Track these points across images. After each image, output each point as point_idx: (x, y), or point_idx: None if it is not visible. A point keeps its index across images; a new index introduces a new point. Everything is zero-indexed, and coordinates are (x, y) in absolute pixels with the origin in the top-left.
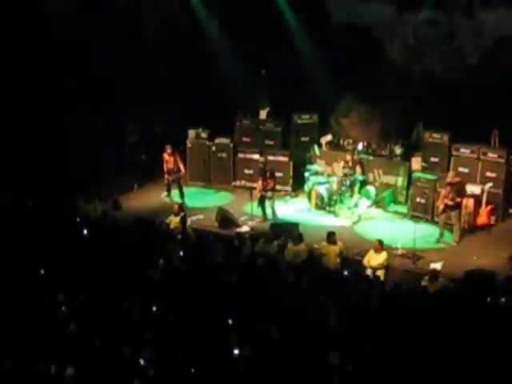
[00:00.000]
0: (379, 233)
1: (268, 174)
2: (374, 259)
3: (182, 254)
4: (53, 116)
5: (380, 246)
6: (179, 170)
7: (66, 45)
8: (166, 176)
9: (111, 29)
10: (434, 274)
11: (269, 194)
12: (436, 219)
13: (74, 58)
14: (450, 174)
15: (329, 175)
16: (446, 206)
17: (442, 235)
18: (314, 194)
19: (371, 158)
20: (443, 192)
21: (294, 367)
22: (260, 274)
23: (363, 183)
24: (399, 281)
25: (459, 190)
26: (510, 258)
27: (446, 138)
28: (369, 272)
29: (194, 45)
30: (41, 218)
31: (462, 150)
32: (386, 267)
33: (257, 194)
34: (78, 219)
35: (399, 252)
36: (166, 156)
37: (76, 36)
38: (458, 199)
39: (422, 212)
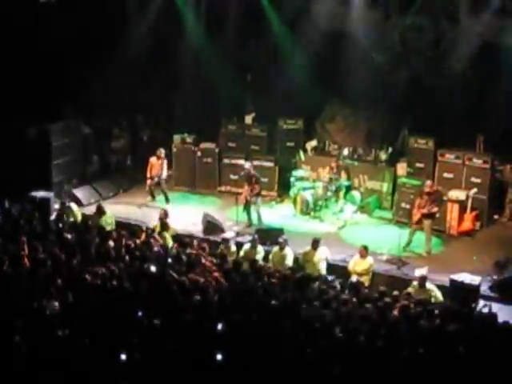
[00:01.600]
0: (364, 238)
1: (253, 180)
2: (358, 265)
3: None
4: (36, 119)
5: (365, 251)
6: (162, 175)
7: (51, 47)
8: (148, 182)
9: (97, 33)
10: (423, 282)
11: (254, 199)
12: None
13: (57, 62)
14: (428, 183)
15: (314, 180)
16: (423, 215)
17: (409, 244)
18: (299, 200)
19: (356, 163)
20: (419, 201)
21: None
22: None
23: (348, 188)
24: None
25: (436, 199)
26: (495, 264)
27: (431, 143)
28: (354, 278)
29: (180, 50)
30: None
31: (448, 155)
32: (371, 273)
33: (242, 199)
34: (60, 224)
35: (384, 258)
36: (154, 159)
37: (60, 38)
38: (435, 209)
39: (407, 217)
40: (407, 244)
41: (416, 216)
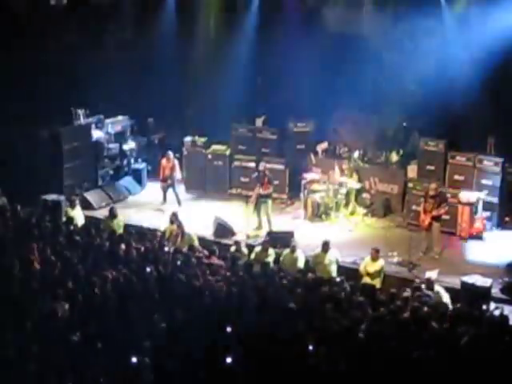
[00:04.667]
0: (375, 241)
1: (266, 180)
2: (370, 266)
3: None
4: (48, 123)
5: (376, 253)
6: (175, 177)
7: (63, 50)
8: (161, 183)
9: (108, 36)
10: (430, 284)
11: (265, 200)
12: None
13: (69, 65)
14: (433, 186)
15: (325, 183)
16: (433, 218)
17: (428, 249)
18: (309, 202)
19: (367, 165)
20: (425, 205)
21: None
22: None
23: (359, 191)
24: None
25: (442, 201)
26: (507, 266)
27: (441, 145)
28: (366, 280)
29: (191, 53)
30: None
31: (458, 157)
32: (383, 275)
33: (253, 200)
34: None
35: (395, 260)
36: (163, 162)
37: (72, 41)
38: (442, 211)
39: (417, 220)
40: (427, 249)
41: (426, 221)
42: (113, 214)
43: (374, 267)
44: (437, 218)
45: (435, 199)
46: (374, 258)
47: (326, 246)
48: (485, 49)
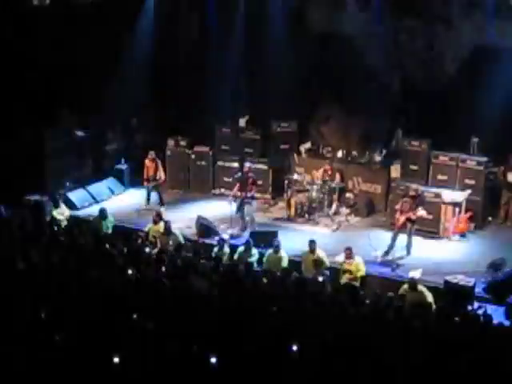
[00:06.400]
0: (358, 240)
1: (250, 181)
2: (347, 265)
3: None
4: (30, 123)
5: (350, 253)
6: (158, 178)
7: (47, 50)
8: (145, 183)
9: (93, 37)
10: (414, 284)
11: (249, 200)
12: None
13: (53, 65)
14: (414, 186)
15: (308, 183)
16: (408, 219)
17: (392, 248)
18: (293, 202)
19: (350, 165)
20: (404, 205)
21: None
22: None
23: (342, 191)
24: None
25: (420, 203)
26: (490, 266)
27: (424, 145)
28: (345, 278)
29: (174, 53)
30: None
31: (441, 157)
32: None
33: (232, 196)
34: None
35: (378, 259)
36: (147, 162)
37: (56, 42)
38: (419, 213)
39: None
40: (390, 248)
41: (400, 220)
42: (103, 215)
43: (350, 266)
44: (413, 220)
45: (414, 200)
46: (349, 257)
47: (312, 246)
48: (467, 48)
